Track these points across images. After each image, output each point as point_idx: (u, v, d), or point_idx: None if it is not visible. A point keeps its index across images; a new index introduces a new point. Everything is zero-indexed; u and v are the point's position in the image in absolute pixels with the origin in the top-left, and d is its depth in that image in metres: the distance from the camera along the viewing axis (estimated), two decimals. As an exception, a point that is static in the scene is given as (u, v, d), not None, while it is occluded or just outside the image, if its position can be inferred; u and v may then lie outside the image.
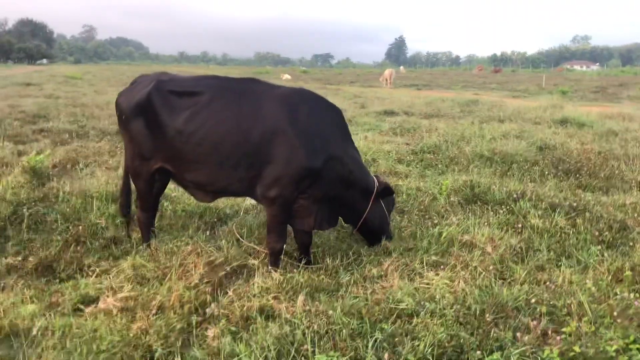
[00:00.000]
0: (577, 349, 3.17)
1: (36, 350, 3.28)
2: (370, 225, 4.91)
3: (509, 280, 4.43)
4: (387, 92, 31.50)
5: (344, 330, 3.27)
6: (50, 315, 3.76)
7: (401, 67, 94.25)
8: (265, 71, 69.83)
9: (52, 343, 3.29)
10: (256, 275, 4.25)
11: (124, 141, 5.00)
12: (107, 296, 4.06)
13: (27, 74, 45.45)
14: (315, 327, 3.31)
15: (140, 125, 4.60)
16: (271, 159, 4.28)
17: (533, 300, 3.79)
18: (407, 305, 3.63)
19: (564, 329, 3.42)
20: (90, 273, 4.59)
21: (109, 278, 4.40)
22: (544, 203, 6.16)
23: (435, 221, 5.77)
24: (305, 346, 3.11)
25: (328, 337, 3.24)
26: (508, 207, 6.12)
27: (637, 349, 3.24)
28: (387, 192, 4.85)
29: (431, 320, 3.43)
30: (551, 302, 3.86)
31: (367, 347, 3.13)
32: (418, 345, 3.11)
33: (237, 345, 3.18)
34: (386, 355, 3.05)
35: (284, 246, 4.57)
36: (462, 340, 3.20)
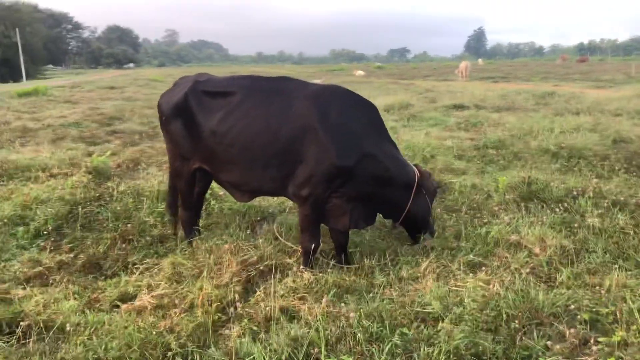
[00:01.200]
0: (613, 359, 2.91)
1: (64, 345, 3.39)
2: (414, 218, 4.74)
3: (554, 284, 4.17)
4: (460, 85, 30.65)
5: (359, 335, 3.17)
6: (86, 311, 3.89)
7: (479, 60, 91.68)
8: (339, 68, 69.96)
9: (81, 339, 3.39)
10: (288, 275, 4.22)
11: (165, 142, 5.11)
12: (144, 294, 4.16)
13: (114, 77, 47.84)
14: (333, 329, 3.23)
15: (179, 126, 4.69)
16: (302, 158, 4.23)
17: (572, 307, 3.52)
18: (433, 309, 3.48)
19: (603, 339, 3.16)
20: (134, 270, 4.73)
21: (149, 276, 4.53)
22: (606, 201, 5.75)
23: (485, 220, 5.53)
24: (317, 349, 3.04)
25: (345, 341, 3.15)
26: (566, 205, 5.77)
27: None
28: (424, 183, 4.66)
29: (456, 325, 3.26)
30: (595, 309, 3.58)
31: (382, 352, 3.02)
32: (432, 352, 2.96)
33: (254, 345, 3.15)
34: (399, 361, 2.93)
35: (319, 246, 4.52)
36: (481, 348, 3.01)
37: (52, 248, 5.18)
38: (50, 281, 4.51)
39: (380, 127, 4.53)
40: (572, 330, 3.26)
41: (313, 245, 4.43)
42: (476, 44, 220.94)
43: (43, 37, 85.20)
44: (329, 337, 3.17)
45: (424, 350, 3.00)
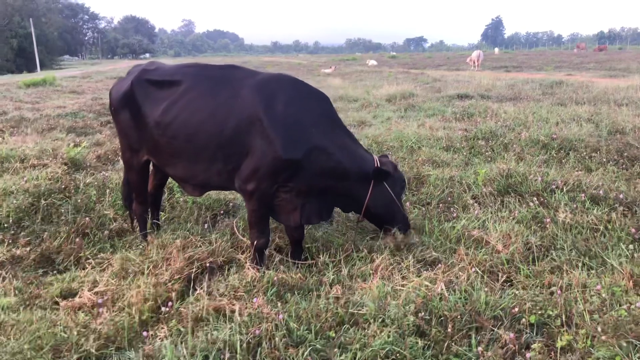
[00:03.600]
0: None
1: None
2: (375, 212, 4.50)
3: (511, 283, 3.96)
4: (470, 74, 30.15)
5: (277, 338, 3.00)
6: (21, 308, 3.78)
7: (495, 49, 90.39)
8: (352, 58, 69.47)
9: (1, 340, 3.27)
10: (230, 272, 4.07)
11: (117, 132, 4.96)
12: (86, 290, 4.04)
13: (127, 68, 47.93)
14: (257, 332, 3.07)
15: (127, 117, 4.53)
16: (248, 151, 4.04)
17: (516, 309, 3.32)
18: (366, 310, 3.30)
19: (537, 345, 2.96)
20: (86, 265, 4.62)
21: (98, 271, 4.41)
22: (584, 195, 5.50)
23: (455, 215, 5.32)
24: (234, 354, 2.88)
25: (266, 344, 2.99)
26: (542, 199, 5.54)
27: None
28: (380, 174, 4.35)
29: (386, 328, 3.08)
30: (544, 311, 3.38)
31: (300, 356, 2.86)
32: (346, 358, 2.79)
33: (169, 349, 3.00)
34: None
35: (268, 242, 4.35)
36: (403, 355, 2.83)
37: (9, 241, 5.08)
38: (-1, 276, 4.41)
39: (332, 118, 4.31)
40: (511, 335, 3.06)
41: (262, 241, 4.26)
42: (494, 33, 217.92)
43: (59, 28, 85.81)
44: (250, 340, 3.01)
45: (338, 357, 2.82)
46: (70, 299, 3.96)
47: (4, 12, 69.36)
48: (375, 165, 4.38)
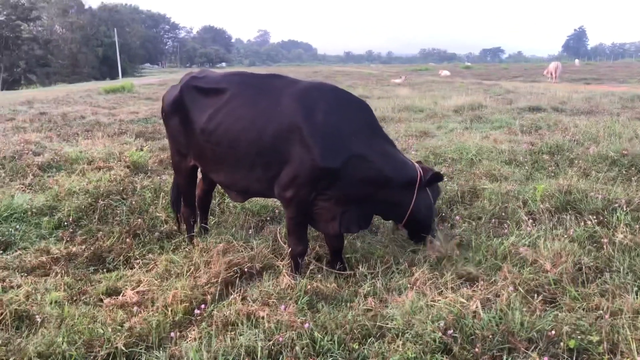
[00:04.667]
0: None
1: (26, 336, 3.43)
2: (418, 218, 4.44)
3: (559, 304, 3.76)
4: (546, 86, 29.11)
5: (298, 347, 2.97)
6: (65, 304, 3.94)
7: (576, 60, 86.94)
8: (425, 68, 68.64)
9: (42, 331, 3.42)
10: (264, 279, 4.08)
11: (167, 137, 5.11)
12: (128, 289, 4.17)
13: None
14: (280, 339, 3.06)
15: (176, 122, 4.67)
16: (288, 158, 4.06)
17: (553, 332, 3.14)
18: (394, 324, 3.22)
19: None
20: (135, 265, 4.77)
21: (144, 271, 4.55)
22: (650, 215, 5.16)
23: (505, 231, 5.12)
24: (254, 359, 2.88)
25: (288, 352, 2.97)
26: (601, 218, 5.24)
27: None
28: (435, 178, 4.37)
29: (412, 344, 2.99)
30: (588, 336, 3.18)
31: (319, 367, 2.82)
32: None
33: (193, 351, 3.04)
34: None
35: (306, 249, 4.34)
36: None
37: (68, 239, 5.33)
38: (51, 272, 4.63)
39: (372, 126, 4.27)
40: (545, 359, 2.89)
41: (300, 249, 4.26)
42: (576, 44, 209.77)
43: (141, 37, 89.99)
44: (272, 347, 3.00)
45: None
46: (114, 297, 4.10)
47: (91, 22, 73.59)
48: (418, 172, 4.33)
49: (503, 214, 5.72)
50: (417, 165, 4.42)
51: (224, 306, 3.68)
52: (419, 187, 4.33)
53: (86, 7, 79.19)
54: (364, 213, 4.37)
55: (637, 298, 3.74)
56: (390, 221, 5.08)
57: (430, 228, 4.60)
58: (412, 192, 4.32)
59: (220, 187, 5.28)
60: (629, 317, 3.50)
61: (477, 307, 3.38)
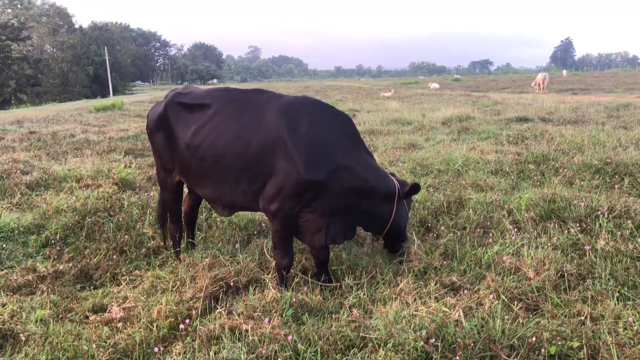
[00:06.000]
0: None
1: (11, 355, 3.43)
2: (397, 229, 4.59)
3: (542, 312, 3.80)
4: (534, 97, 29.37)
5: (281, 359, 2.99)
6: (53, 321, 3.93)
7: (564, 71, 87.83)
8: (414, 81, 69.21)
9: (26, 350, 3.42)
10: (249, 292, 4.10)
11: (152, 153, 5.14)
12: (114, 306, 4.17)
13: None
14: (263, 351, 3.08)
15: (161, 138, 4.71)
16: (273, 172, 4.10)
17: (534, 339, 3.17)
18: (377, 334, 3.24)
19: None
20: (122, 282, 4.77)
21: (131, 288, 4.56)
22: (633, 221, 5.23)
23: (490, 240, 5.17)
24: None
25: (271, 365, 2.99)
26: (584, 226, 5.30)
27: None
28: (414, 190, 4.45)
29: (393, 354, 3.01)
30: (568, 342, 3.21)
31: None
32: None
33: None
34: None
35: (291, 262, 4.37)
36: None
37: (55, 257, 5.33)
38: (37, 290, 4.62)
39: (355, 138, 4.34)
40: (525, 366, 2.93)
41: (285, 262, 4.28)
42: (563, 55, 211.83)
43: (132, 55, 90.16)
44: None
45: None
46: (100, 314, 4.10)
47: (82, 41, 73.71)
48: (396, 183, 4.43)
49: (488, 223, 5.77)
50: (391, 176, 4.51)
51: (209, 320, 3.70)
52: (398, 198, 4.41)
53: (77, 26, 79.50)
54: (349, 224, 4.42)
55: (618, 304, 3.79)
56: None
57: (405, 237, 4.77)
58: (392, 203, 4.42)
59: (206, 201, 5.30)
60: (610, 322, 3.54)
61: (459, 315, 3.42)
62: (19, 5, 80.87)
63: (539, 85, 38.20)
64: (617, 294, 3.97)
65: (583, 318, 3.58)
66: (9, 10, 75.63)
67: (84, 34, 76.43)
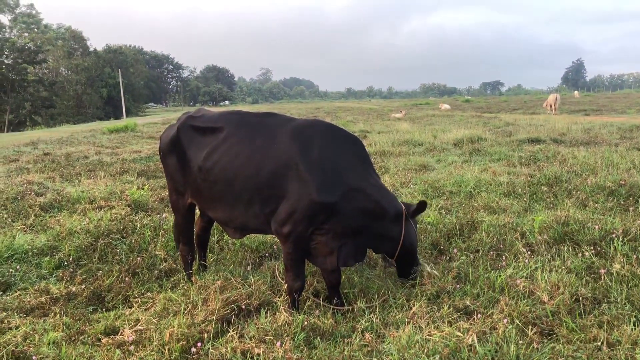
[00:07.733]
0: None
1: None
2: (409, 249, 4.56)
3: (557, 336, 3.75)
4: (546, 118, 29.31)
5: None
6: (65, 344, 3.94)
7: (575, 92, 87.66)
8: (425, 102, 69.27)
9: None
10: (261, 315, 4.08)
11: (165, 176, 5.18)
12: (126, 328, 4.17)
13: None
14: (275, 377, 3.06)
15: (173, 161, 4.75)
16: (285, 195, 4.12)
17: (549, 365, 3.13)
18: (390, 359, 3.21)
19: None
20: (134, 304, 4.78)
21: (143, 310, 4.56)
22: (647, 245, 5.17)
23: (503, 263, 5.13)
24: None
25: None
26: (599, 249, 5.25)
27: None
28: (422, 208, 4.45)
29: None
30: (584, 369, 3.17)
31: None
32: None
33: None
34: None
35: (303, 285, 4.35)
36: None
37: (67, 279, 5.35)
38: (50, 312, 4.63)
39: (365, 161, 4.38)
40: (541, 393, 2.89)
41: (297, 285, 4.27)
42: (575, 76, 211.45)
43: (145, 77, 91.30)
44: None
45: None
46: (112, 337, 4.09)
47: (96, 64, 74.78)
48: (401, 204, 4.46)
49: (501, 246, 5.74)
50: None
51: (221, 344, 3.69)
52: (406, 218, 4.41)
53: (91, 49, 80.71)
54: (360, 246, 4.41)
55: (634, 329, 3.74)
56: (381, 256, 5.12)
57: (416, 260, 4.73)
58: (400, 224, 4.42)
59: (218, 224, 5.31)
60: (627, 348, 3.49)
61: (473, 340, 3.39)
62: (35, 29, 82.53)
63: (551, 106, 38.13)
64: (634, 319, 3.91)
65: (599, 344, 3.54)
66: (26, 34, 77.09)
67: (98, 57, 77.58)
